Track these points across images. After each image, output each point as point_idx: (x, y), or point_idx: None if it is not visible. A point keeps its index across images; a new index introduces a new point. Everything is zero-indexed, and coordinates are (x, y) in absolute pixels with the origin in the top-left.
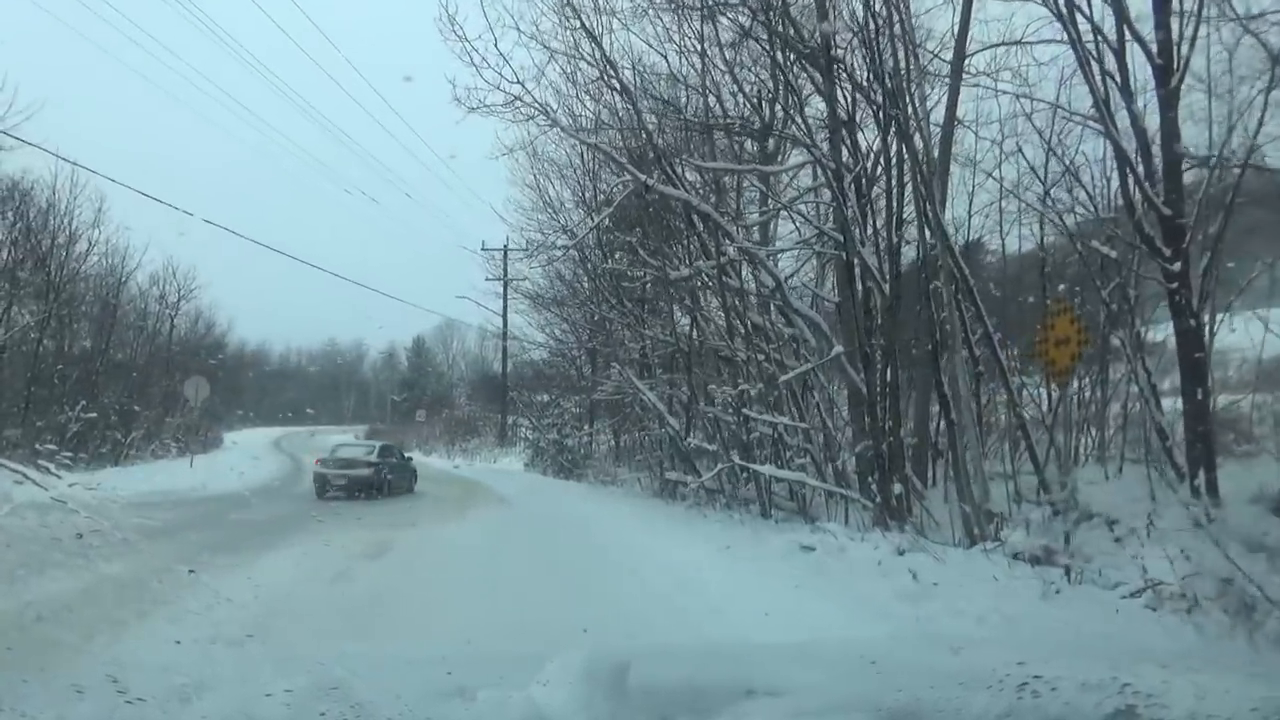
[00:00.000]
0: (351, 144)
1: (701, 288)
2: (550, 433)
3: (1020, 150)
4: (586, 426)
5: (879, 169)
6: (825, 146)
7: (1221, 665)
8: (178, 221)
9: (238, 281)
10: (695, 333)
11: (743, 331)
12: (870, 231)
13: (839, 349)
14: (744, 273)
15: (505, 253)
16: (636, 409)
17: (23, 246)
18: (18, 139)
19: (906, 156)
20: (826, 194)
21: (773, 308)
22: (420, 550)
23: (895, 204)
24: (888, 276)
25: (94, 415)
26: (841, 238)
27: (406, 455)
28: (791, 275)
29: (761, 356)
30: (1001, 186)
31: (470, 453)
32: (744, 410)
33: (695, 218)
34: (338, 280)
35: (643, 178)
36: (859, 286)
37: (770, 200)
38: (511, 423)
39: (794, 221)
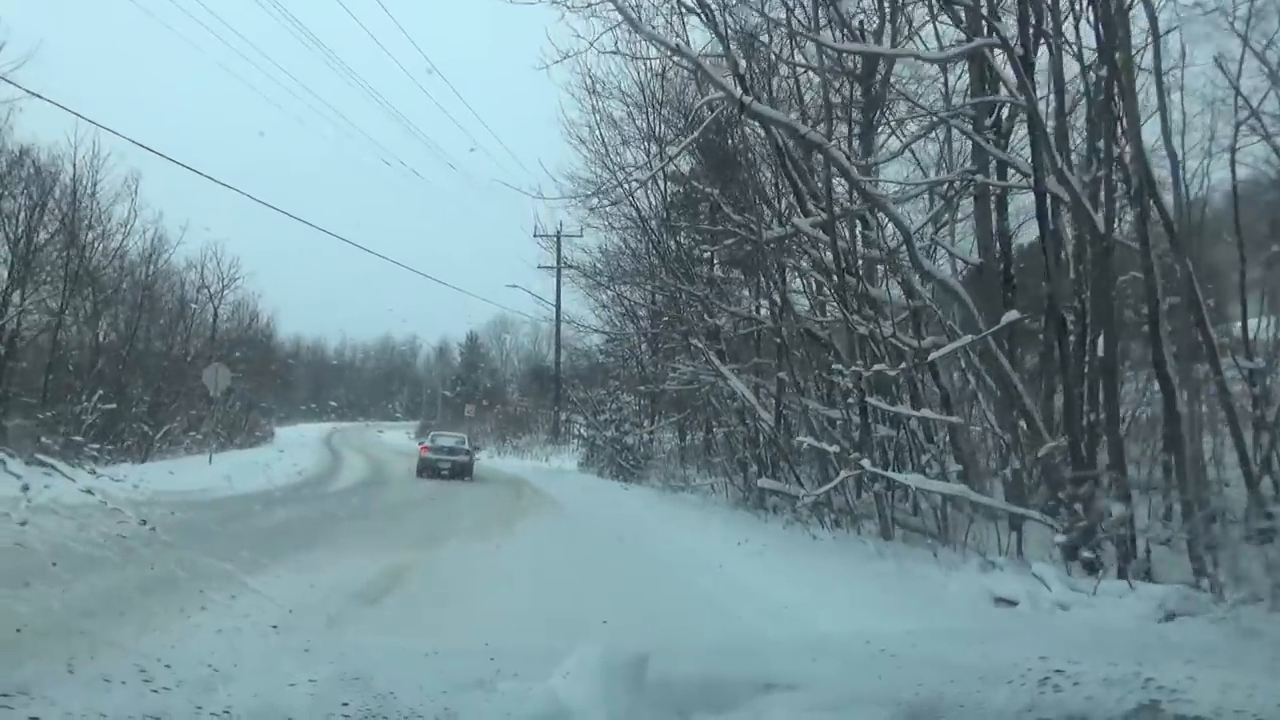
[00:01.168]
0: (402, 124)
1: (798, 251)
2: (608, 429)
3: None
4: (647, 423)
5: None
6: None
7: (1246, 661)
8: (218, 203)
9: (294, 275)
10: (785, 310)
11: (855, 304)
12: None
13: (1012, 315)
14: (851, 231)
15: (559, 238)
16: (712, 402)
17: (38, 221)
18: (28, 91)
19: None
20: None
21: (884, 272)
22: (442, 589)
23: (1100, 116)
24: (1098, 210)
25: (113, 406)
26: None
27: (476, 445)
28: (918, 229)
29: (888, 333)
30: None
31: (521, 450)
32: (868, 399)
33: (791, 164)
34: (393, 275)
35: (737, 93)
36: (1051, 228)
37: (886, 122)
38: (565, 419)
39: (916, 159)
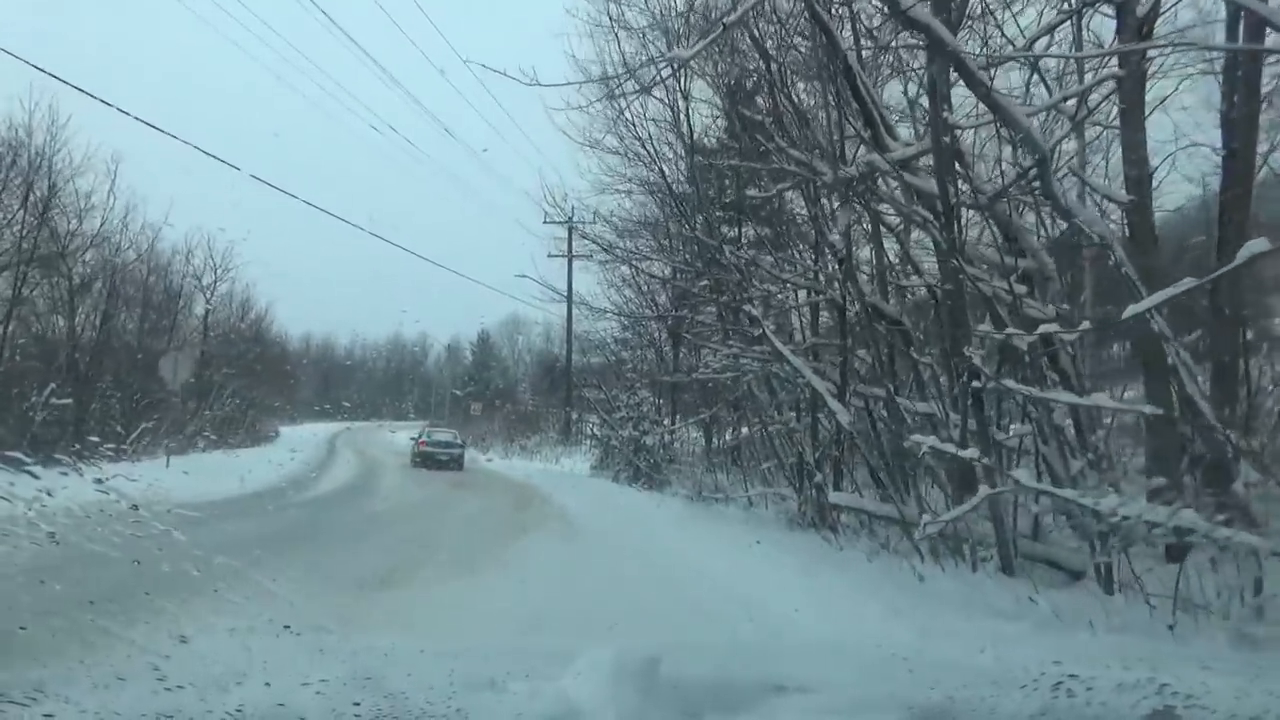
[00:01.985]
0: (418, 114)
1: (868, 195)
2: (624, 428)
3: None
4: (667, 420)
5: None
6: None
7: (1261, 668)
8: (222, 196)
9: (303, 273)
10: (851, 276)
11: (959, 260)
12: None
13: (1259, 245)
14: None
15: (570, 226)
16: (754, 394)
17: None
18: None
19: None
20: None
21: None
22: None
23: None
24: None
25: (68, 402)
26: None
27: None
28: (1055, 144)
29: (1026, 292)
30: None
31: (530, 451)
32: (1006, 383)
33: (864, 87)
34: (404, 274)
35: None
36: None
37: None
38: (576, 418)
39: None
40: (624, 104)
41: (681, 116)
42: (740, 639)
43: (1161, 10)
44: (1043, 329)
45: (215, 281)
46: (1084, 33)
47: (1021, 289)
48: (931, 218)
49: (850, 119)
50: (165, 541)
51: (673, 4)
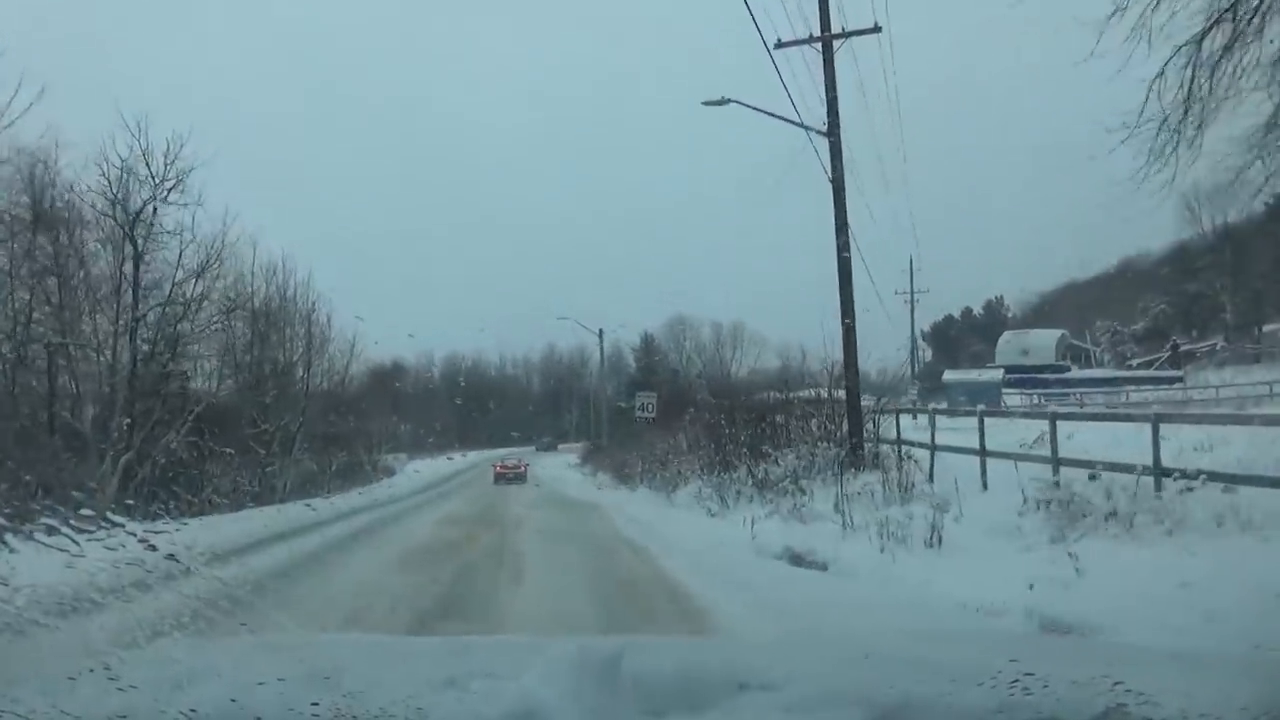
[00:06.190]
0: None
1: None
2: None
3: None
4: None
5: None
6: None
7: (1213, 663)
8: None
9: (448, 289)
10: None
11: None
12: None
13: None
14: None
15: None
16: None
17: None
18: None
19: None
20: None
21: None
22: None
23: None
24: None
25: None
26: None
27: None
28: None
29: None
30: None
31: (783, 494)
32: None
33: None
34: (558, 275)
35: None
36: None
37: None
38: (913, 394)
39: None
40: None
41: None
42: (703, 636)
43: None
44: None
45: (156, 196)
46: None
47: None
48: None
49: None
50: None
51: None
